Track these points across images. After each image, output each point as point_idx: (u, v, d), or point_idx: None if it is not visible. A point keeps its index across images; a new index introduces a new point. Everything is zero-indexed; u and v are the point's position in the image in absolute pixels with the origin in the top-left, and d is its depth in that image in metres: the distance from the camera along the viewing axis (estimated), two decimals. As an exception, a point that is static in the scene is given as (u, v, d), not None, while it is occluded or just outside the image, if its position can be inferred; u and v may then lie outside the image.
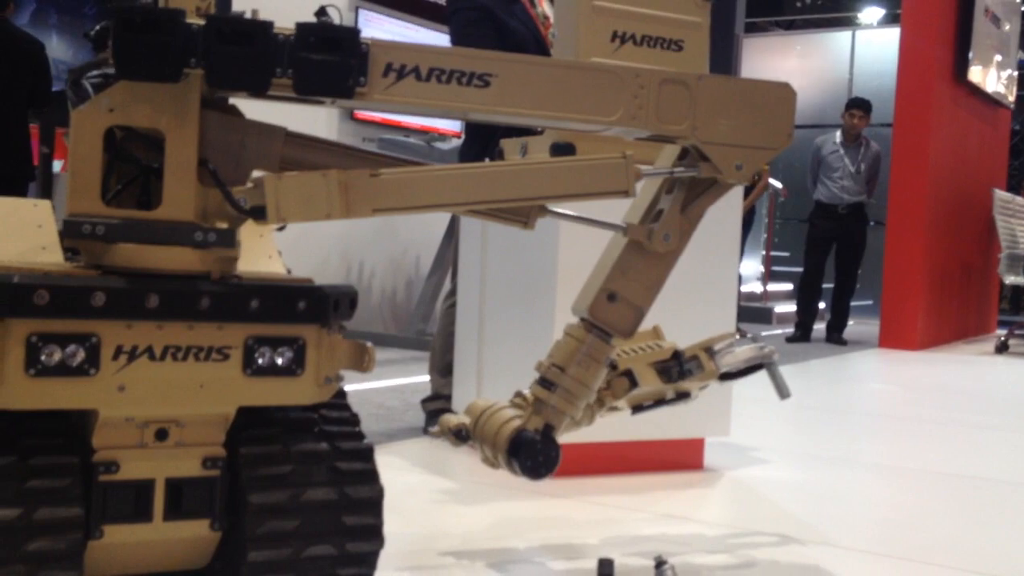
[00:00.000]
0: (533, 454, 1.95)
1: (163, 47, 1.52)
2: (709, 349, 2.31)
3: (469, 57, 1.73)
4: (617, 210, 2.10)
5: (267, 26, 1.58)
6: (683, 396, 2.35)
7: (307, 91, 1.63)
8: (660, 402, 2.33)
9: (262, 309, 1.63)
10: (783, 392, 2.41)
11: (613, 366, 2.20)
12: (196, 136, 1.61)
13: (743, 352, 2.37)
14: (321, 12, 1.65)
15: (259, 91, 1.62)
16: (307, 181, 1.64)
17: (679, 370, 2.26)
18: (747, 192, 8.39)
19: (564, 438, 2.93)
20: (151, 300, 1.54)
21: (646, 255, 2.00)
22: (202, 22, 1.55)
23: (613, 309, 1.99)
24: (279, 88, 1.62)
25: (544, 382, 2.01)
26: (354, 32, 1.65)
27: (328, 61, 1.61)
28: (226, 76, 1.57)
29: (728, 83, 1.90)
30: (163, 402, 1.58)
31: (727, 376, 2.36)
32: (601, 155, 1.86)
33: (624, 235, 2.00)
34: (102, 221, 1.56)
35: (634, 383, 2.16)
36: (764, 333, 9.17)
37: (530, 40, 3.69)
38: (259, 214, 1.63)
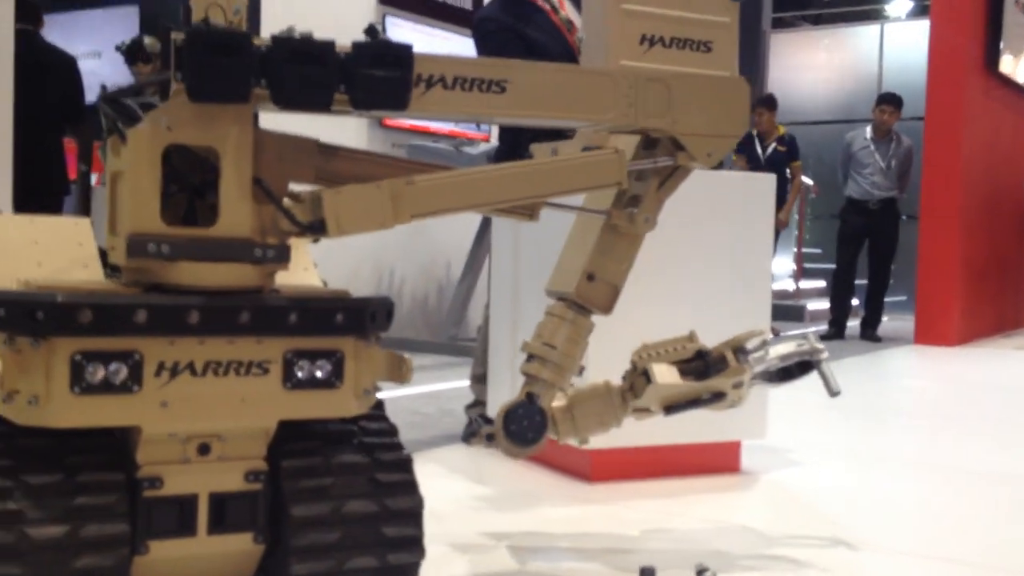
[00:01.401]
0: (516, 419, 2.07)
1: (233, 69, 1.55)
2: (739, 348, 2.29)
3: (486, 65, 1.84)
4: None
5: (330, 46, 1.62)
6: (718, 396, 2.30)
7: (368, 107, 1.69)
8: (695, 403, 2.30)
9: (300, 322, 1.64)
10: (832, 389, 2.36)
11: (633, 366, 2.26)
12: (251, 154, 1.63)
13: (780, 349, 2.33)
14: (371, 31, 1.68)
15: (323, 109, 1.66)
16: (363, 193, 1.69)
17: (703, 368, 2.25)
18: (780, 202, 8.38)
19: (598, 443, 2.94)
20: (192, 316, 1.55)
21: (624, 237, 2.16)
22: (268, 43, 1.57)
23: (592, 287, 2.15)
24: (338, 104, 1.66)
25: (533, 359, 2.13)
26: (408, 48, 1.69)
27: (388, 77, 1.67)
28: (293, 96, 1.61)
29: (698, 80, 2.06)
30: (205, 417, 1.60)
31: (770, 377, 2.33)
32: (596, 152, 2.02)
33: (609, 220, 2.15)
34: (166, 240, 1.58)
35: (648, 380, 2.21)
36: (796, 332, 9.11)
37: (556, 49, 3.69)
38: (318, 228, 1.66)
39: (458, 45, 7.65)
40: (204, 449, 1.64)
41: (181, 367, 1.57)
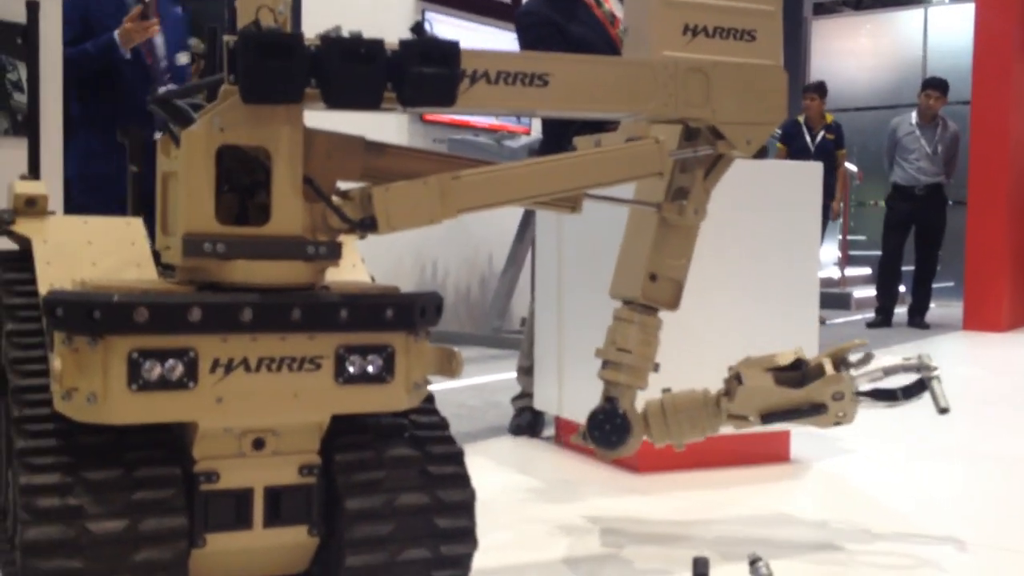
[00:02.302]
0: (599, 424, 2.17)
1: (285, 70, 1.57)
2: (840, 358, 2.25)
3: (529, 59, 1.87)
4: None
5: (379, 45, 1.63)
6: (818, 408, 2.25)
7: (417, 104, 1.71)
8: (793, 413, 2.26)
9: (351, 318, 1.66)
10: (940, 405, 2.27)
11: (730, 372, 2.29)
12: (301, 153, 1.65)
13: (885, 361, 2.26)
14: (418, 28, 1.70)
15: (373, 107, 1.67)
16: (412, 189, 1.71)
17: (800, 377, 2.23)
18: (829, 190, 8.28)
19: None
20: (245, 314, 1.57)
21: (677, 231, 2.20)
22: (317, 43, 1.59)
23: (656, 287, 2.21)
24: (387, 102, 1.68)
25: (609, 364, 2.20)
26: (456, 45, 1.70)
27: (436, 74, 1.68)
28: (343, 95, 1.64)
29: (736, 68, 2.06)
30: (259, 412, 1.62)
31: (880, 395, 2.25)
32: (637, 143, 2.03)
33: (658, 212, 2.19)
34: (221, 239, 1.60)
35: (739, 381, 2.23)
36: (842, 320, 9.03)
37: (598, 42, 3.68)
38: (369, 225, 1.68)
39: (496, 39, 7.65)
40: (259, 443, 1.66)
41: (235, 363, 1.59)
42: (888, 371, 2.25)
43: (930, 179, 8.41)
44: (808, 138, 8.39)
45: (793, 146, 8.37)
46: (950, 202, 8.72)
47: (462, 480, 1.82)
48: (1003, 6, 8.35)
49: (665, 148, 2.03)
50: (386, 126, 6.57)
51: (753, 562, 1.85)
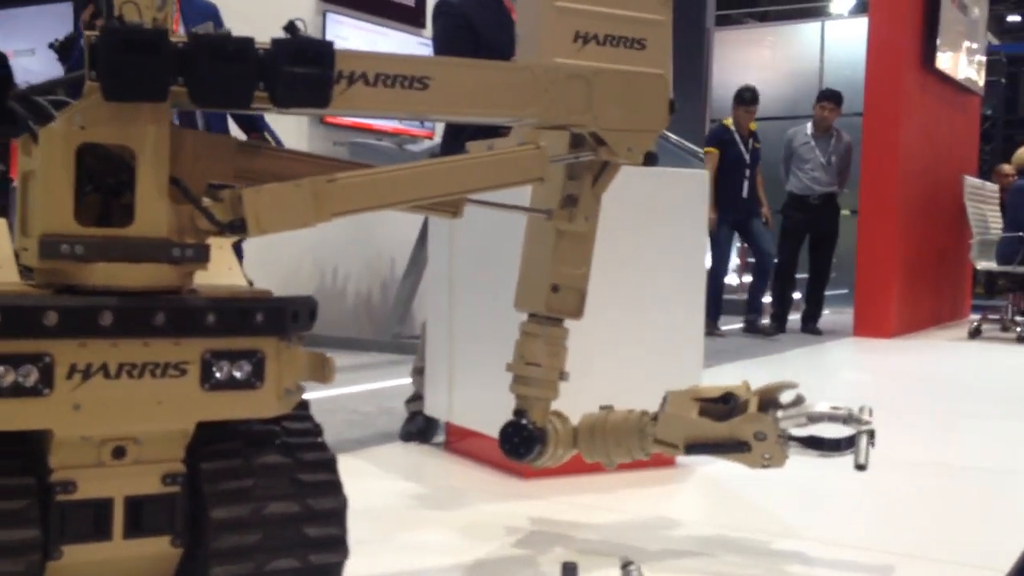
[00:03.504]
0: (508, 437, 2.25)
1: (151, 67, 1.53)
2: (770, 399, 2.19)
3: (409, 62, 1.84)
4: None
5: (249, 43, 1.60)
6: (741, 445, 2.20)
7: (289, 104, 1.67)
8: (718, 447, 2.23)
9: (219, 323, 1.63)
10: (859, 460, 2.18)
11: (663, 398, 2.29)
12: (168, 153, 1.61)
13: (815, 408, 2.18)
14: (291, 27, 1.67)
15: (243, 107, 1.64)
16: (284, 192, 1.68)
17: (727, 411, 2.20)
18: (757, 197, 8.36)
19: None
20: (104, 317, 1.53)
21: (573, 239, 2.22)
22: (184, 40, 1.55)
23: (559, 298, 2.24)
24: (259, 102, 1.65)
25: (521, 379, 2.26)
26: (330, 45, 1.68)
27: (308, 74, 1.65)
28: (211, 94, 1.60)
29: (618, 76, 2.08)
30: (120, 420, 1.58)
31: (811, 444, 2.20)
32: (518, 147, 2.04)
33: (548, 218, 2.21)
34: (80, 241, 1.55)
35: (663, 407, 2.25)
36: (740, 325, 9.20)
37: (504, 36, 3.69)
38: (239, 228, 1.65)
39: (403, 42, 7.62)
40: (119, 452, 1.61)
41: (94, 369, 1.55)
42: (813, 418, 2.17)
43: (824, 188, 8.63)
44: (742, 146, 8.43)
45: (729, 154, 8.34)
46: (845, 212, 8.95)
47: (334, 487, 1.80)
48: (895, 21, 8.62)
49: (546, 154, 2.04)
50: (286, 129, 6.48)
51: (624, 566, 1.87)
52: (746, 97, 8.50)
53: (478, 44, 3.58)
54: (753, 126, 8.61)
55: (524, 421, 2.24)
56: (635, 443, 2.29)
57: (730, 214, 8.24)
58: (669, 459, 3.41)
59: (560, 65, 2.02)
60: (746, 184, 8.34)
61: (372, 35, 7.50)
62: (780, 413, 2.18)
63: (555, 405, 2.31)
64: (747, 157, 8.36)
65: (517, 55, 2.24)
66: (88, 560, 1.61)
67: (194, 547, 1.69)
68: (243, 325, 1.66)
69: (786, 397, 2.21)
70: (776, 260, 8.77)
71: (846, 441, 2.23)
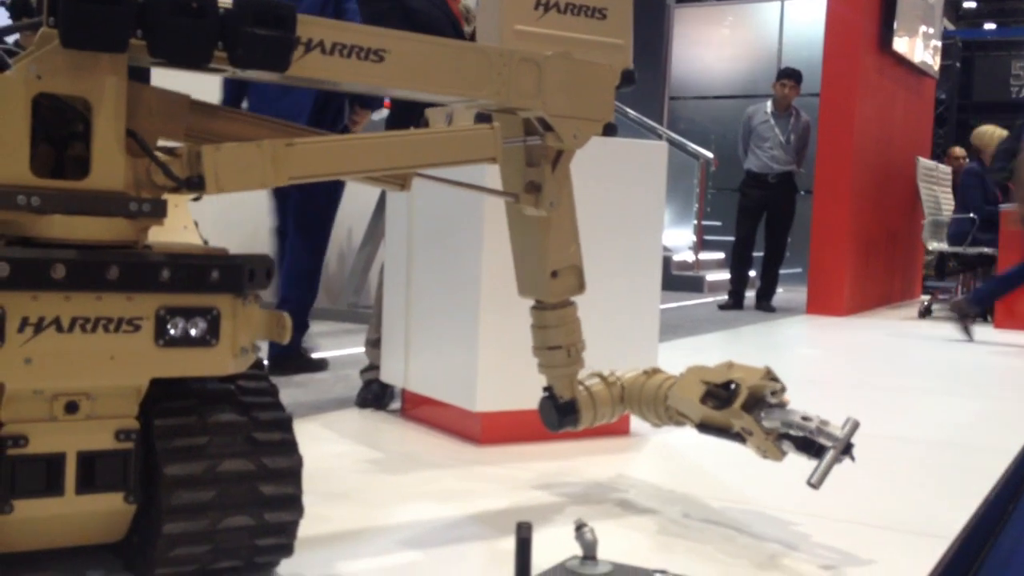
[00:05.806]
0: (545, 411, 2.49)
1: (111, 17, 1.51)
2: (757, 395, 2.21)
3: (368, 34, 1.84)
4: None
5: (211, 1, 1.59)
6: (737, 436, 2.25)
7: (248, 66, 1.66)
8: (726, 432, 2.29)
9: (174, 279, 1.62)
10: (812, 478, 2.12)
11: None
12: (124, 106, 1.60)
13: (789, 415, 2.18)
14: None
15: (201, 65, 1.63)
16: (244, 151, 1.68)
17: (725, 400, 2.23)
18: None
19: (488, 406, 2.97)
20: (57, 270, 1.52)
21: (551, 224, 2.29)
22: None
23: (560, 282, 2.35)
24: (217, 61, 1.63)
25: (544, 362, 2.43)
26: (292, 8, 1.67)
27: (269, 37, 1.65)
28: (170, 49, 1.59)
29: (568, 63, 2.12)
30: (72, 374, 1.57)
31: (798, 444, 2.19)
32: (474, 126, 2.07)
33: (515, 202, 2.27)
34: (36, 192, 1.53)
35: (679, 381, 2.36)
36: (695, 302, 9.27)
37: (442, 19, 3.67)
38: (196, 184, 1.64)
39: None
40: (72, 407, 1.61)
41: (46, 323, 1.54)
42: (786, 425, 2.17)
43: (782, 167, 8.68)
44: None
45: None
46: (801, 191, 9.02)
47: (289, 446, 1.80)
48: (854, 2, 8.67)
49: (499, 134, 2.05)
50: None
51: (579, 528, 1.88)
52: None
53: (410, 22, 3.52)
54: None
55: (555, 395, 2.44)
56: (662, 410, 2.45)
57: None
58: (623, 428, 3.44)
59: (513, 50, 2.04)
60: None
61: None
62: (763, 413, 2.21)
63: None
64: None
65: (478, 24, 2.24)
66: (40, 515, 1.60)
67: (148, 504, 1.69)
68: (199, 282, 1.65)
69: (771, 397, 2.21)
70: (734, 238, 8.85)
71: (808, 445, 2.20)
